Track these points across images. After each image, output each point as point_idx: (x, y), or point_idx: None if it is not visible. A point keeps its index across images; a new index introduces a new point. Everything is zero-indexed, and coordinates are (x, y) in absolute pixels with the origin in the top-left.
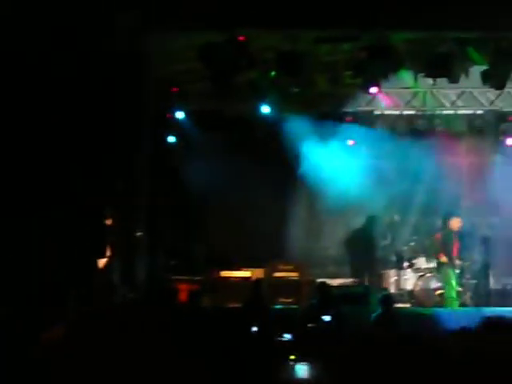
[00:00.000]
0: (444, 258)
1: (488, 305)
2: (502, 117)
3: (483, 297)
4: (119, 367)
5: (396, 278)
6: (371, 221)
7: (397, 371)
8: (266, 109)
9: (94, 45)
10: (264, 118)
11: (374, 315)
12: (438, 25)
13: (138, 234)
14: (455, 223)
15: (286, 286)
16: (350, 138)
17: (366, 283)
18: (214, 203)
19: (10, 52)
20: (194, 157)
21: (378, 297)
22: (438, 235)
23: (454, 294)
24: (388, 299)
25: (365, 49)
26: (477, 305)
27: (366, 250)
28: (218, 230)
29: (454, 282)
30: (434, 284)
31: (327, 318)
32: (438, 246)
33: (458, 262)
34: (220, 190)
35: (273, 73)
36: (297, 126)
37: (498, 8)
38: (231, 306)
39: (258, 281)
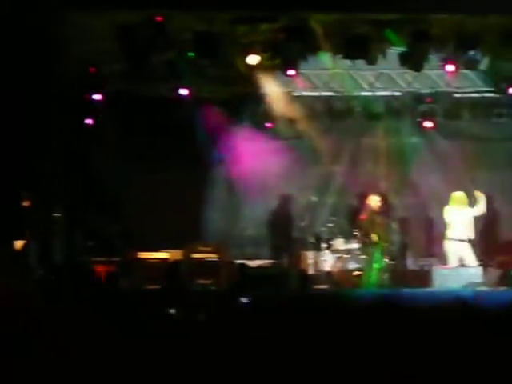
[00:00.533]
0: (375, 238)
1: (406, 285)
2: (419, 98)
3: (400, 278)
4: (39, 347)
5: (314, 259)
6: (285, 200)
7: (315, 352)
8: (184, 91)
9: (7, 22)
10: (183, 99)
11: (291, 296)
12: (355, 6)
13: (55, 215)
14: (374, 202)
15: (204, 267)
16: (269, 119)
17: (285, 265)
18: (132, 184)
19: None
20: (111, 138)
21: (296, 278)
22: (364, 216)
23: (374, 276)
24: (305, 280)
25: (282, 30)
26: (395, 285)
27: (283, 230)
28: (136, 212)
29: (377, 264)
30: (352, 265)
31: (245, 300)
32: (365, 227)
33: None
34: (139, 172)
35: (190, 54)
36: (215, 108)
37: None
38: (149, 287)
39: (176, 262)
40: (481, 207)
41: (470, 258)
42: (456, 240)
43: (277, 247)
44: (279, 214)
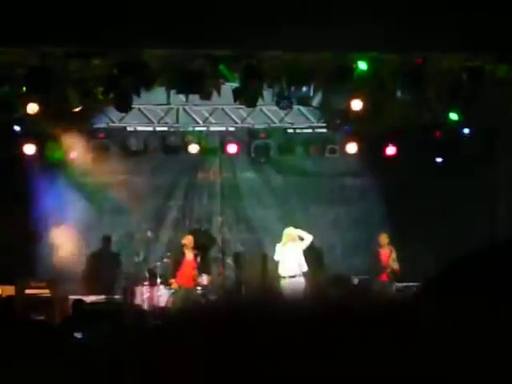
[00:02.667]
0: (175, 284)
1: None
2: (253, 134)
3: None
4: None
5: (149, 294)
6: (106, 241)
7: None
8: (17, 127)
9: None
10: (18, 135)
11: (127, 332)
12: (188, 42)
13: None
14: (186, 241)
15: (38, 303)
16: (104, 154)
17: (119, 300)
18: None
19: None
20: None
21: (130, 314)
22: (169, 260)
23: None
24: (141, 316)
25: (116, 65)
26: None
27: (113, 266)
28: None
29: None
30: None
31: (79, 336)
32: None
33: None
34: None
35: (24, 88)
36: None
37: (250, 27)
38: None
39: (9, 298)
40: (307, 242)
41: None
42: (288, 276)
43: (109, 283)
44: (100, 254)
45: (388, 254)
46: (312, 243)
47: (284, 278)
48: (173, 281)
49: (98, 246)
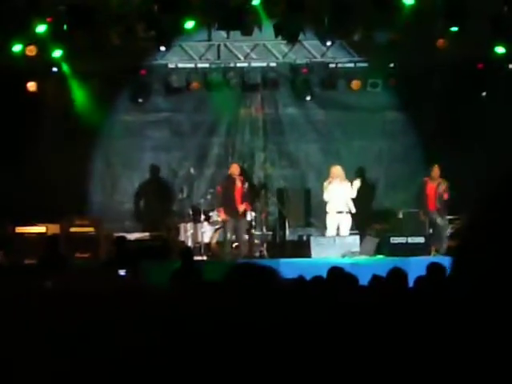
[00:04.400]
0: (223, 214)
1: (284, 256)
2: (295, 69)
3: (279, 248)
4: None
5: (193, 231)
6: (155, 171)
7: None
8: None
9: None
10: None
11: (173, 269)
12: None
13: None
14: (233, 169)
15: (82, 240)
16: (145, 92)
17: (164, 237)
18: (4, 157)
19: None
20: None
21: (176, 250)
22: (219, 188)
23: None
24: (187, 252)
25: (156, 2)
26: (273, 256)
27: (160, 202)
28: (10, 184)
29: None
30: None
31: (122, 273)
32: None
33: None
34: (11, 144)
35: (65, 26)
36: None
37: None
38: (27, 262)
39: (54, 236)
40: (354, 191)
41: (347, 228)
42: (335, 212)
43: (154, 219)
44: (153, 185)
45: (435, 187)
46: (365, 179)
47: (329, 213)
48: (219, 211)
49: (142, 180)
